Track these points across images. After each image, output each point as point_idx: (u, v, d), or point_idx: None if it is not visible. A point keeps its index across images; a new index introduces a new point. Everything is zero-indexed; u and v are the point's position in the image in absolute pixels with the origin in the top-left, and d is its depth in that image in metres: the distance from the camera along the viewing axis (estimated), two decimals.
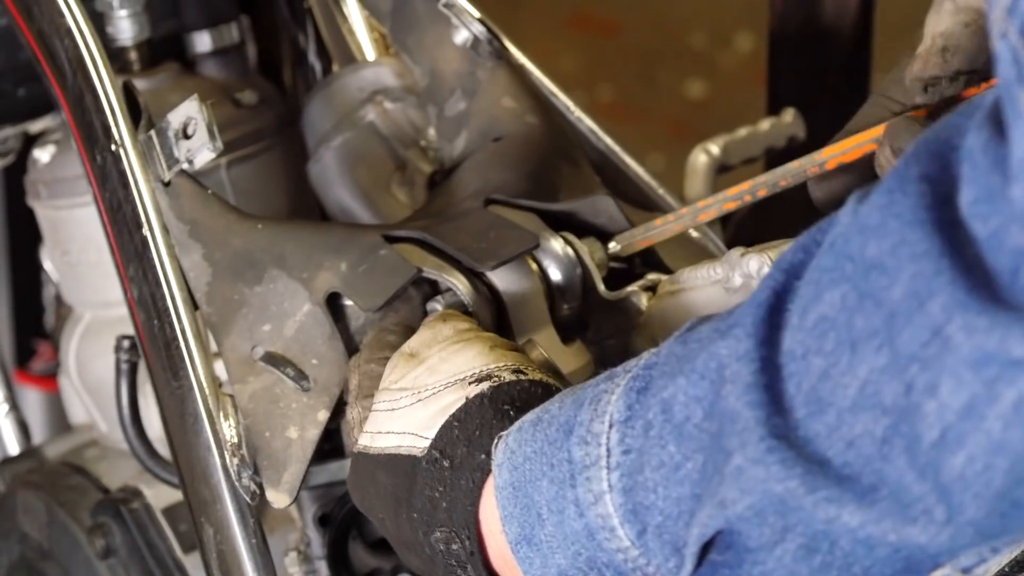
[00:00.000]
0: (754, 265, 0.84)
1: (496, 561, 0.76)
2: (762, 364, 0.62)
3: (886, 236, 0.59)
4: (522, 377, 0.79)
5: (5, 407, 1.38)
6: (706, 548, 0.66)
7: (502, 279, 0.91)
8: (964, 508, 0.58)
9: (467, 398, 0.78)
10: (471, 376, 0.79)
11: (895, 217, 0.59)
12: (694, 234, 1.05)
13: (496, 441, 0.75)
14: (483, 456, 0.76)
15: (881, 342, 0.58)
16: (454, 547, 0.76)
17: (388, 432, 0.81)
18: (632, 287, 0.93)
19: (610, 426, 0.69)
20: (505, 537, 0.73)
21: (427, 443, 0.78)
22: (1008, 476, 0.56)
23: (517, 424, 0.75)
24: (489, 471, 0.75)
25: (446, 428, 0.78)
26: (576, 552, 0.70)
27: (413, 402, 0.80)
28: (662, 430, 0.66)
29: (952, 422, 0.56)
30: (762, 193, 0.87)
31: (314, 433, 0.90)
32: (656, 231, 0.94)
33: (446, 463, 0.77)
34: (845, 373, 0.60)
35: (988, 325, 0.55)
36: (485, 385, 0.78)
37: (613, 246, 0.96)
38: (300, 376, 0.90)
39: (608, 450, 0.69)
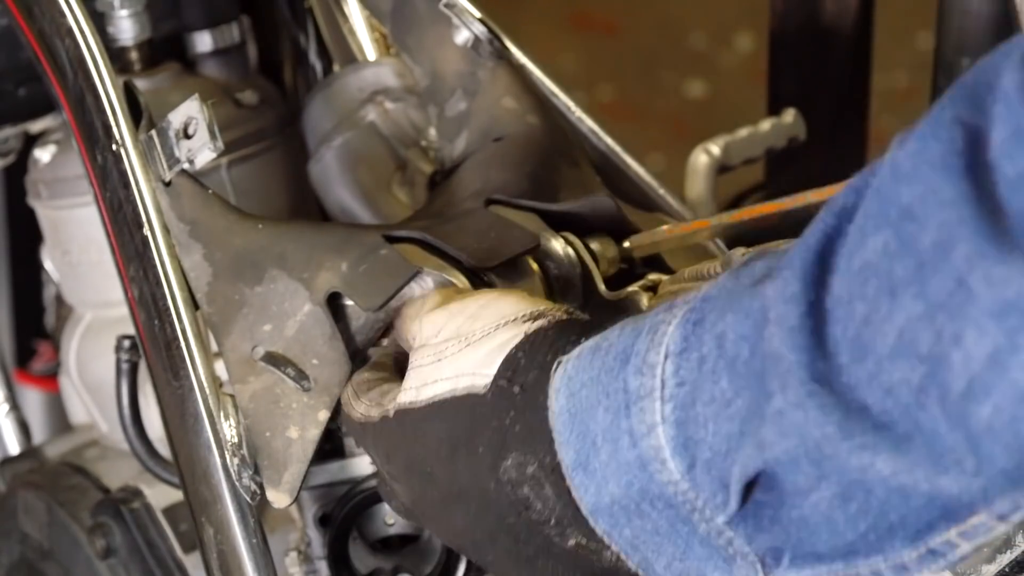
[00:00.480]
0: None
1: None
2: (808, 308, 0.62)
3: (917, 183, 0.59)
4: (577, 315, 0.79)
5: (5, 407, 1.38)
6: (751, 487, 0.66)
7: (503, 279, 0.91)
8: (994, 458, 0.57)
9: (527, 333, 0.77)
10: (523, 316, 0.78)
11: (926, 163, 0.59)
12: None
13: (556, 366, 0.74)
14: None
15: (917, 290, 0.58)
16: (529, 469, 0.75)
17: (436, 381, 0.80)
18: (633, 287, 0.93)
19: (665, 357, 0.68)
20: (561, 463, 0.73)
21: (488, 379, 0.77)
22: None
23: (576, 350, 0.74)
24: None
25: (511, 359, 0.77)
26: (629, 482, 0.70)
27: (462, 347, 0.79)
28: (716, 365, 0.66)
29: (978, 372, 0.56)
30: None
31: (315, 433, 0.90)
32: (674, 237, 0.94)
33: (515, 389, 0.76)
34: (885, 320, 0.59)
35: (1007, 274, 0.55)
36: (543, 321, 0.78)
37: (627, 245, 0.96)
38: (301, 376, 0.90)
39: (663, 381, 0.68)
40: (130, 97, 0.97)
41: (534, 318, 0.78)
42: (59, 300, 1.37)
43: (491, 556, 0.81)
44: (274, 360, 0.90)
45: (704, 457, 0.67)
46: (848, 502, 0.63)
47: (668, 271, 0.96)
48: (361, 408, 0.85)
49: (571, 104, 1.11)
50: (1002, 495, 0.61)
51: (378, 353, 0.90)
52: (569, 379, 0.73)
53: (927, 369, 0.58)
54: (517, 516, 0.76)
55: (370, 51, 1.19)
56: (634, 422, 0.69)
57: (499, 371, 0.77)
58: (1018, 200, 0.56)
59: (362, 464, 1.05)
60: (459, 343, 0.80)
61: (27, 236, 1.40)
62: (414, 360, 0.82)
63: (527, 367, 0.76)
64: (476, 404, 0.77)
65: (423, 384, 0.80)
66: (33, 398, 1.56)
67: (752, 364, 0.65)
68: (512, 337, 0.78)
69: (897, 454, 0.60)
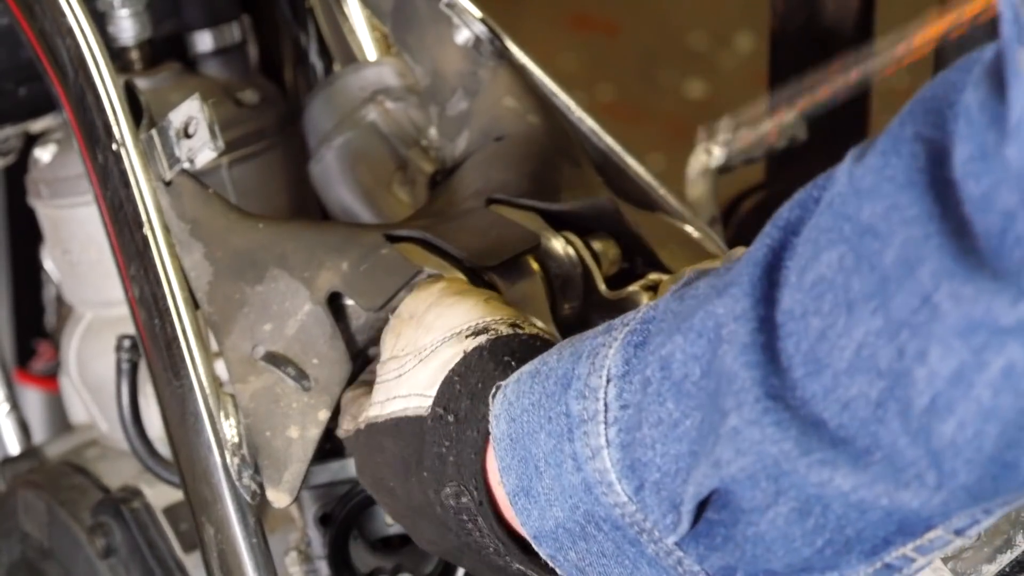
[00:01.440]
0: None
1: (506, 511, 0.76)
2: (759, 324, 0.62)
3: (879, 199, 0.58)
4: (519, 331, 0.79)
5: (5, 407, 1.38)
6: (703, 506, 0.66)
7: (503, 278, 0.91)
8: (956, 473, 0.57)
9: (465, 352, 0.78)
10: (467, 330, 0.79)
11: (888, 180, 0.58)
12: (695, 234, 1.05)
13: (494, 391, 0.75)
14: (487, 408, 0.75)
15: (876, 305, 0.58)
16: (463, 500, 0.76)
17: (395, 397, 0.80)
18: (633, 287, 0.93)
19: (608, 381, 0.68)
20: (503, 488, 0.73)
21: (430, 401, 0.78)
22: (999, 441, 0.56)
23: (515, 375, 0.74)
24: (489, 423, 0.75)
25: (447, 384, 0.77)
26: (574, 505, 0.70)
27: (416, 363, 0.80)
28: (660, 387, 0.66)
29: (942, 389, 0.56)
30: None
31: (315, 433, 0.90)
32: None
33: (450, 418, 0.77)
34: (842, 335, 0.59)
35: (974, 293, 0.55)
36: (483, 338, 0.78)
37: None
38: (301, 376, 0.90)
39: (606, 405, 0.68)
40: (131, 97, 0.97)
41: (476, 333, 0.78)
42: (59, 300, 1.37)
43: (466, 563, 0.82)
44: (274, 360, 0.90)
45: (652, 479, 0.67)
46: (806, 517, 0.63)
47: (668, 271, 0.96)
48: (345, 424, 0.86)
49: (571, 104, 1.11)
50: (961, 510, 0.61)
51: (369, 371, 0.91)
52: (509, 405, 0.73)
53: (886, 384, 0.58)
54: (467, 536, 0.77)
55: (371, 51, 1.19)
56: (578, 446, 0.69)
57: (437, 396, 0.78)
58: (984, 220, 0.56)
59: None
60: (415, 358, 0.80)
61: (27, 236, 1.40)
62: (382, 374, 0.83)
63: (460, 394, 0.77)
64: (421, 428, 0.78)
65: (386, 399, 0.81)
66: (33, 398, 1.56)
67: (704, 383, 0.65)
68: (454, 356, 0.78)
69: (856, 469, 0.60)
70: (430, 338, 0.80)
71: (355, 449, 0.85)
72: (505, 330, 0.79)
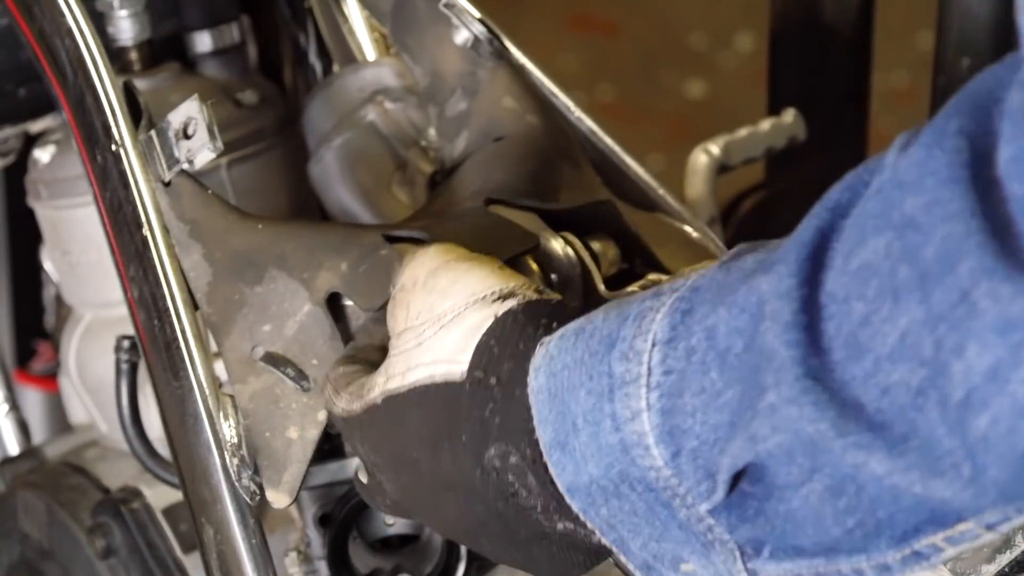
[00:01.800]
0: None
1: None
2: (802, 304, 0.62)
3: (921, 193, 0.59)
4: (546, 296, 0.79)
5: (5, 407, 1.38)
6: (738, 478, 0.67)
7: None
8: (987, 468, 0.58)
9: (496, 316, 0.77)
10: (492, 295, 0.78)
11: (931, 174, 0.59)
12: (694, 234, 1.05)
13: (537, 346, 0.75)
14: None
15: (920, 297, 0.58)
16: (512, 459, 0.75)
17: (418, 366, 0.79)
18: (632, 287, 0.93)
19: (653, 345, 0.69)
20: (539, 441, 0.73)
21: (463, 366, 0.77)
22: None
23: (560, 332, 0.74)
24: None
25: (483, 347, 0.77)
26: (609, 464, 0.70)
27: (437, 330, 0.79)
28: (705, 356, 0.67)
29: (977, 384, 0.57)
30: None
31: (314, 433, 0.90)
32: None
33: (492, 380, 0.76)
34: (886, 321, 0.60)
35: (1012, 292, 0.55)
36: (512, 302, 0.77)
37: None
38: (300, 376, 0.90)
39: (649, 369, 0.69)
40: (130, 97, 0.97)
41: (503, 297, 0.78)
42: (59, 300, 1.37)
43: (485, 542, 0.81)
44: (274, 360, 0.90)
45: (690, 446, 0.67)
46: (838, 497, 0.64)
47: (667, 271, 0.96)
48: (342, 403, 0.85)
49: (571, 104, 1.11)
50: (992, 506, 0.61)
51: (351, 347, 0.90)
52: (551, 359, 0.73)
53: (928, 373, 0.58)
54: (505, 503, 0.77)
55: (370, 51, 1.19)
56: (618, 407, 0.69)
57: (473, 361, 0.77)
58: None
59: None
60: (434, 325, 0.79)
61: (27, 236, 1.40)
62: (398, 345, 0.81)
63: (500, 357, 0.76)
64: (455, 393, 0.77)
65: (407, 369, 0.80)
66: (33, 398, 1.56)
67: (745, 358, 0.65)
68: (482, 320, 0.77)
69: (892, 455, 0.60)
70: (448, 303, 0.79)
71: (368, 426, 0.83)
72: (533, 295, 0.78)
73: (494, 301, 0.78)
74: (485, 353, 0.77)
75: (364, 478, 0.86)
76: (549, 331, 0.76)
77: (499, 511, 0.77)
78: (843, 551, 0.66)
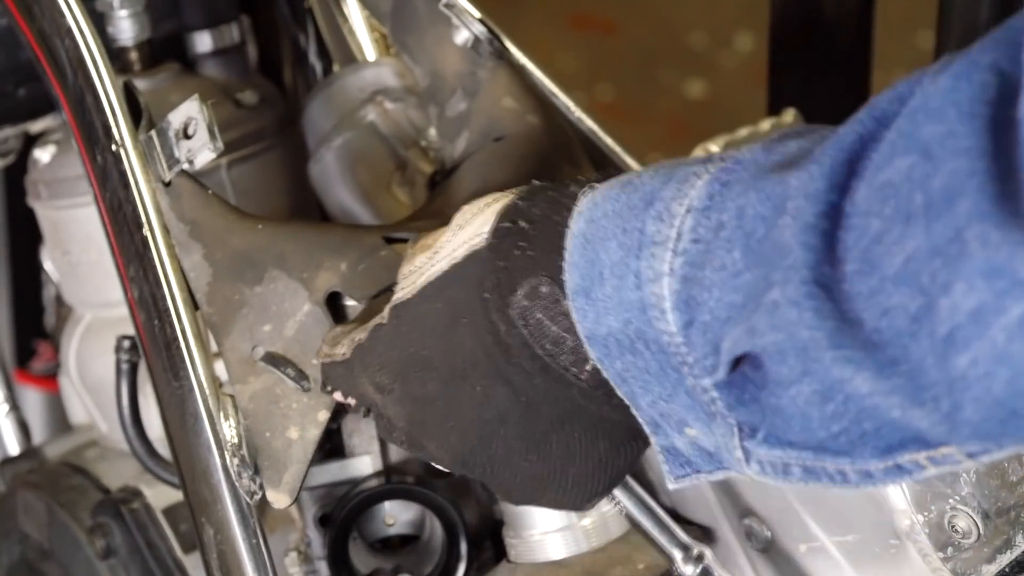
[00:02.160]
0: None
1: None
2: (827, 208, 0.62)
3: (941, 122, 0.58)
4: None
5: (5, 407, 1.38)
6: (742, 360, 0.67)
7: None
8: (963, 407, 0.58)
9: (517, 193, 0.77)
10: (507, 193, 0.78)
11: (953, 105, 0.58)
12: None
13: (584, 190, 0.74)
14: (571, 205, 0.74)
15: (926, 225, 0.58)
16: (543, 289, 0.74)
17: (433, 266, 0.79)
18: None
19: (688, 211, 0.68)
20: (565, 282, 0.73)
21: (486, 235, 0.76)
22: (1008, 386, 0.56)
23: (608, 183, 0.74)
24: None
25: (509, 207, 0.76)
26: (627, 320, 0.70)
27: (455, 233, 0.79)
28: (733, 234, 0.66)
29: (960, 323, 0.57)
30: None
31: (315, 433, 0.90)
32: None
33: (522, 223, 0.75)
34: (895, 243, 0.59)
35: (1000, 240, 0.55)
36: (528, 186, 0.77)
37: None
38: (300, 376, 0.90)
39: (679, 233, 0.68)
40: (130, 97, 0.97)
41: (521, 188, 0.78)
42: (59, 300, 1.37)
43: (500, 448, 0.79)
44: (274, 360, 0.90)
45: (703, 319, 0.67)
46: (826, 403, 0.64)
47: None
48: (341, 350, 0.84)
49: (571, 104, 1.11)
50: (965, 443, 0.61)
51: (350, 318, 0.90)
52: (594, 206, 0.73)
53: (924, 302, 0.58)
54: (531, 361, 0.75)
55: (370, 51, 1.19)
56: (643, 265, 0.69)
57: (498, 219, 0.76)
58: None
59: (362, 464, 1.05)
60: (452, 233, 0.79)
61: (27, 236, 1.40)
62: (406, 269, 0.81)
63: (529, 207, 0.76)
64: (476, 260, 0.77)
65: (419, 278, 0.80)
66: (33, 398, 1.57)
67: (764, 246, 0.65)
68: (503, 203, 0.77)
69: (879, 376, 0.60)
70: (463, 216, 0.79)
71: (371, 349, 0.82)
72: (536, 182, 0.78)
73: (511, 193, 0.78)
74: (512, 209, 0.76)
75: (377, 427, 0.85)
76: (568, 195, 0.75)
77: (520, 385, 0.76)
78: (829, 451, 0.66)
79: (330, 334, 0.87)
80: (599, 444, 0.78)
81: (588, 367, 0.74)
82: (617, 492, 0.94)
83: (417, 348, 0.80)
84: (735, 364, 0.67)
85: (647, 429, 0.73)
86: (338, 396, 0.87)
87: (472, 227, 0.78)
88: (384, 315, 0.81)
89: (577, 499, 0.80)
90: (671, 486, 0.74)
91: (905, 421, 0.61)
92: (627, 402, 0.73)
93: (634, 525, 0.95)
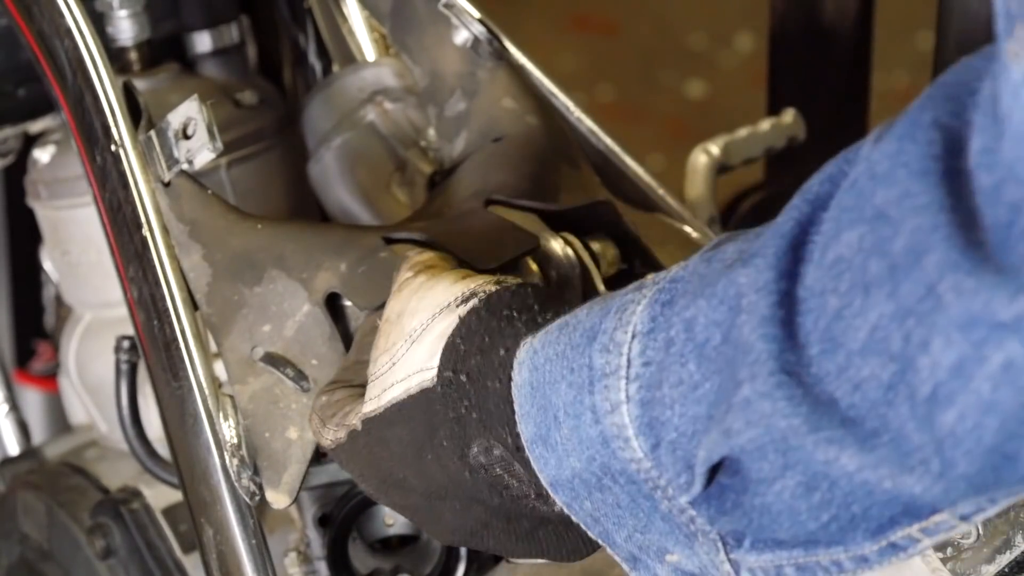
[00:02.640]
0: None
1: None
2: (780, 297, 0.62)
3: (893, 185, 0.59)
4: (505, 285, 0.79)
5: (5, 407, 1.38)
6: (716, 470, 0.67)
7: None
8: (956, 463, 0.58)
9: (460, 318, 0.77)
10: (455, 300, 0.78)
11: (903, 166, 0.58)
12: (694, 234, 1.05)
13: (522, 342, 0.75)
14: (503, 352, 0.75)
15: (890, 291, 0.58)
16: (496, 452, 0.75)
17: (392, 385, 0.80)
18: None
19: (632, 336, 0.69)
20: (520, 436, 0.73)
21: (434, 371, 0.77)
22: (999, 433, 0.56)
23: (544, 329, 0.74)
24: (511, 369, 0.75)
25: (450, 348, 0.77)
26: (590, 457, 0.70)
27: (408, 346, 0.79)
28: (683, 348, 0.66)
29: (943, 380, 0.56)
30: None
31: None
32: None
33: (463, 378, 0.76)
34: (857, 316, 0.59)
35: (975, 287, 0.55)
36: (474, 301, 0.78)
37: None
38: (300, 376, 0.90)
39: (629, 360, 0.68)
40: (129, 97, 0.97)
41: (465, 300, 0.78)
42: (59, 300, 1.37)
43: (491, 541, 0.81)
44: (273, 360, 0.90)
45: (669, 438, 0.67)
46: (812, 492, 0.63)
47: None
48: (329, 434, 0.85)
49: (571, 104, 1.11)
50: (963, 499, 0.61)
51: (338, 371, 0.90)
52: (534, 353, 0.73)
53: (897, 368, 0.58)
54: (500, 497, 0.76)
55: (369, 51, 1.19)
56: (598, 399, 0.69)
57: (441, 363, 0.77)
58: (993, 212, 0.56)
59: None
60: (406, 343, 0.80)
61: (27, 236, 1.40)
62: (375, 371, 0.82)
63: (467, 354, 0.76)
64: (430, 400, 0.77)
65: (383, 391, 0.80)
66: (33, 398, 1.56)
67: (723, 350, 0.65)
68: (448, 326, 0.78)
69: (863, 450, 0.60)
70: (417, 320, 0.80)
71: (352, 455, 0.84)
72: (493, 287, 0.78)
73: (458, 306, 0.78)
74: (452, 352, 0.77)
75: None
76: (512, 320, 0.76)
77: (496, 507, 0.77)
78: (820, 543, 0.66)
79: (320, 401, 0.86)
80: (584, 533, 0.77)
81: (559, 509, 0.74)
82: None
83: (392, 469, 0.81)
84: (710, 476, 0.66)
85: (626, 566, 0.73)
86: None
87: (423, 349, 0.78)
88: (356, 423, 0.82)
89: (573, 558, 0.81)
90: None
91: (898, 490, 0.60)
92: (601, 542, 0.73)
93: None
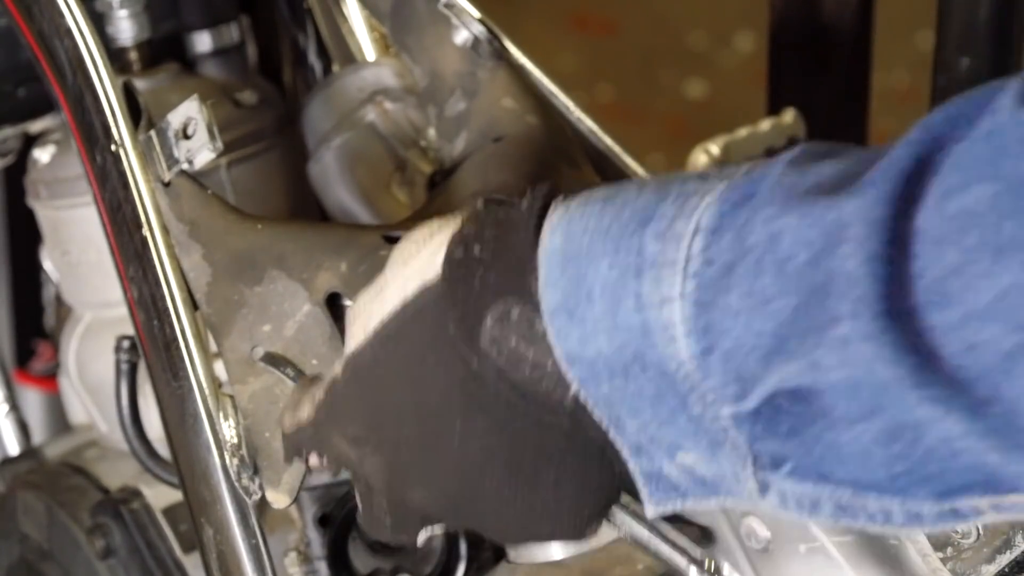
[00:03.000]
0: None
1: None
2: (893, 236, 0.59)
3: None
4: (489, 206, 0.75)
5: (5, 407, 1.38)
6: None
7: None
8: None
9: (463, 218, 0.73)
10: (454, 217, 0.75)
11: None
12: None
13: (554, 205, 0.71)
14: (527, 226, 0.70)
15: None
16: (514, 314, 0.70)
17: (382, 304, 0.75)
18: None
19: (696, 231, 0.64)
20: (540, 302, 0.69)
21: (437, 267, 0.73)
22: None
23: (583, 195, 0.70)
24: (539, 231, 0.70)
25: (458, 237, 0.72)
26: (623, 343, 0.67)
27: (400, 269, 0.76)
28: (762, 259, 0.62)
29: None
30: None
31: None
32: None
33: (476, 249, 0.71)
34: (983, 276, 0.56)
35: None
36: (475, 208, 0.74)
37: None
38: (300, 376, 0.90)
39: (688, 255, 0.64)
40: (129, 97, 0.97)
41: (467, 209, 0.75)
42: (59, 300, 1.37)
43: (489, 486, 0.75)
44: (273, 360, 0.90)
45: (725, 346, 0.63)
46: (893, 442, 0.61)
47: None
48: (304, 413, 0.81)
49: (571, 104, 1.11)
50: None
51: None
52: (570, 220, 0.69)
53: (1021, 338, 0.55)
54: (511, 391, 0.72)
55: (369, 51, 1.19)
56: (646, 287, 0.65)
57: (449, 249, 0.73)
58: None
59: None
60: (396, 269, 0.76)
61: (27, 236, 1.40)
62: (353, 314, 0.78)
63: (479, 234, 0.72)
64: (432, 292, 0.74)
65: (368, 319, 0.77)
66: (33, 398, 1.57)
67: (808, 273, 0.61)
68: (441, 241, 0.74)
69: (973, 417, 0.57)
70: (412, 247, 0.76)
71: (333, 406, 0.79)
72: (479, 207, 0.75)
73: (457, 218, 0.75)
74: (462, 239, 0.73)
75: (358, 500, 0.83)
76: (518, 208, 0.72)
77: (501, 418, 0.73)
78: (879, 490, 0.63)
79: (290, 399, 0.84)
80: (591, 468, 0.75)
81: (571, 392, 0.71)
82: (617, 513, 0.93)
83: (384, 396, 0.77)
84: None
85: (626, 452, 0.70)
86: (312, 461, 0.84)
87: (419, 260, 0.75)
88: (337, 370, 0.79)
89: (574, 529, 0.78)
90: (650, 511, 0.71)
91: (1002, 464, 0.58)
92: (607, 425, 0.70)
93: (639, 545, 0.94)
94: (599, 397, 0.69)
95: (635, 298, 0.66)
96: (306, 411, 0.82)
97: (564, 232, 0.69)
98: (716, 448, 0.66)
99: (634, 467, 0.71)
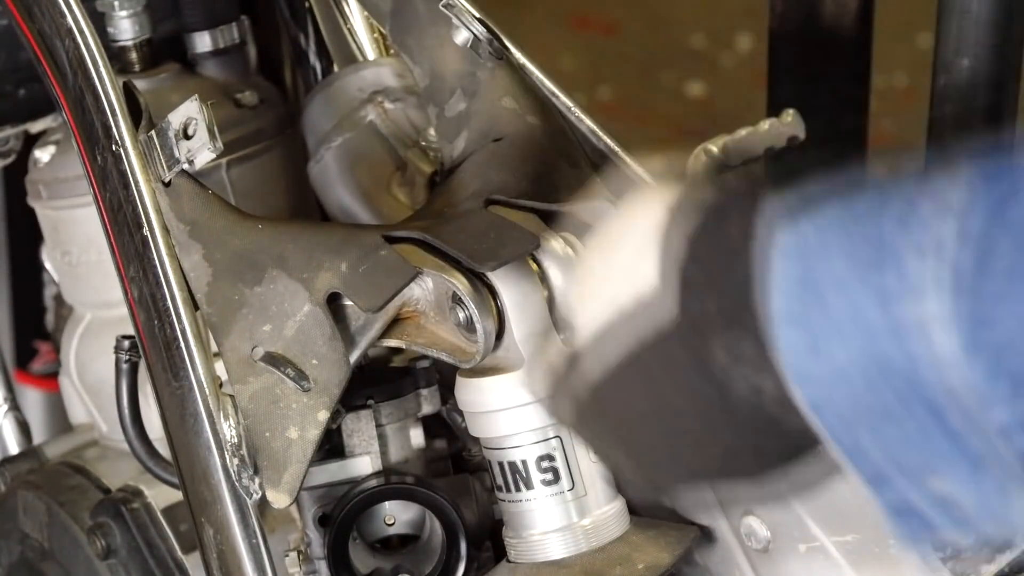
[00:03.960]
0: None
1: None
2: None
3: None
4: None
5: (5, 407, 1.38)
6: None
7: (502, 280, 0.91)
8: None
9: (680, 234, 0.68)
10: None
11: None
12: None
13: (776, 221, 0.64)
14: (740, 222, 0.64)
15: None
16: (746, 347, 0.65)
17: (601, 308, 0.71)
18: None
19: (945, 210, 0.58)
20: (766, 313, 0.63)
21: (656, 278, 0.68)
22: None
23: (807, 210, 0.64)
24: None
25: (680, 252, 0.67)
26: (862, 347, 0.60)
27: (609, 252, 0.72)
28: None
29: None
30: None
31: (314, 433, 0.90)
32: None
33: (696, 270, 0.66)
34: None
35: None
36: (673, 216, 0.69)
37: None
38: (300, 376, 0.90)
39: (939, 239, 0.58)
40: (130, 97, 0.97)
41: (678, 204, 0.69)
42: (59, 300, 1.37)
43: (726, 468, 0.72)
44: (274, 360, 0.90)
45: (992, 339, 0.57)
46: None
47: None
48: (565, 394, 0.77)
49: (571, 104, 1.11)
50: None
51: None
52: (792, 215, 0.64)
53: None
54: (749, 399, 0.66)
55: (370, 51, 1.19)
56: (891, 281, 0.59)
57: (675, 265, 0.67)
58: None
59: (361, 464, 1.05)
60: (606, 254, 0.72)
61: (27, 236, 1.40)
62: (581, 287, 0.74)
63: (699, 248, 0.67)
64: (653, 314, 0.68)
65: (600, 340, 0.72)
66: (33, 398, 1.57)
67: None
68: (673, 233, 0.68)
69: None
70: (614, 228, 0.72)
71: (584, 421, 0.76)
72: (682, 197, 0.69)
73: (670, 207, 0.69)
74: (682, 252, 0.67)
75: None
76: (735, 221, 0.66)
77: (742, 420, 0.68)
78: None
79: (554, 357, 0.78)
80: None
81: (795, 422, 0.64)
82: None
83: (629, 415, 0.73)
84: None
85: (868, 485, 0.63)
86: None
87: (627, 253, 0.70)
88: (583, 396, 0.74)
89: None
90: (895, 550, 0.67)
91: None
92: (839, 451, 0.63)
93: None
94: (833, 417, 0.63)
95: (879, 294, 0.59)
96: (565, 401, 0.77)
97: (790, 228, 0.64)
98: (977, 468, 0.59)
99: (878, 502, 0.64)
